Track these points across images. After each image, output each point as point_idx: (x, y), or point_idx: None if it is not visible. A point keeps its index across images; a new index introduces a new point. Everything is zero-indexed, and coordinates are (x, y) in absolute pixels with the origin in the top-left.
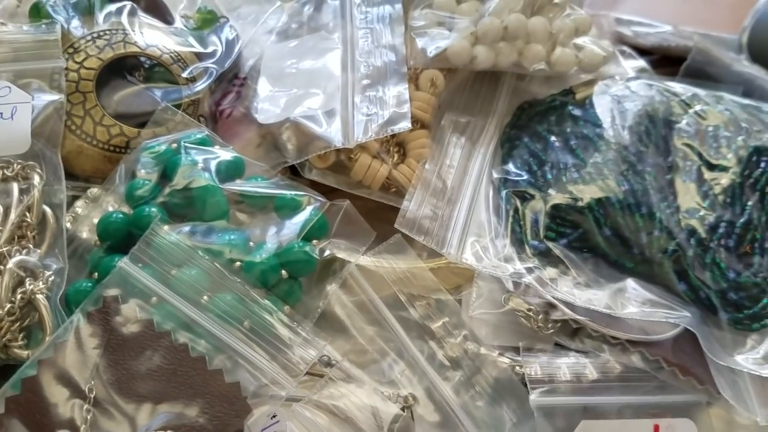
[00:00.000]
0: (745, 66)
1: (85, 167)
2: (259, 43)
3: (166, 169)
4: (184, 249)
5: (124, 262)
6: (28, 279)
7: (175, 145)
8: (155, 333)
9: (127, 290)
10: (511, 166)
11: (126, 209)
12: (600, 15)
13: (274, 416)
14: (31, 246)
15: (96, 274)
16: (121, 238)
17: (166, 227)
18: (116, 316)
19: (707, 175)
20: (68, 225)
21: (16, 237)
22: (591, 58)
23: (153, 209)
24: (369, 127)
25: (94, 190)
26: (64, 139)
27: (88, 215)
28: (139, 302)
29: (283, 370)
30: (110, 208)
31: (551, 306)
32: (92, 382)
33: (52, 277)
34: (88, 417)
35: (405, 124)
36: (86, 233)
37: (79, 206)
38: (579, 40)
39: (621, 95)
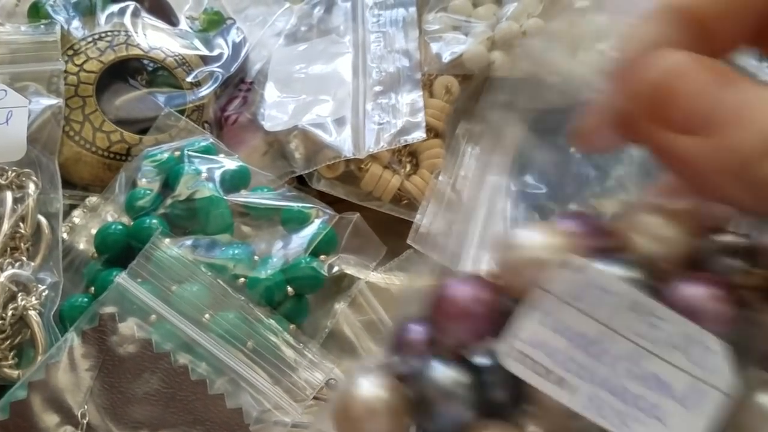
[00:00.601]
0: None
1: (84, 175)
2: (267, 47)
3: (168, 179)
4: (186, 264)
5: (122, 278)
6: (20, 294)
7: (178, 153)
8: (154, 354)
9: (125, 308)
10: (529, 179)
11: (126, 220)
12: (622, 22)
13: None
14: (24, 258)
15: (93, 288)
16: (119, 250)
17: (167, 240)
18: (113, 335)
19: None
20: (65, 236)
21: (8, 249)
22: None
23: (154, 221)
24: (381, 137)
25: (92, 199)
26: (62, 145)
27: (85, 225)
28: (137, 321)
29: (287, 395)
30: (109, 219)
31: None
32: (85, 407)
33: (46, 292)
34: None
35: (419, 134)
36: (83, 244)
37: (77, 216)
38: (600, 47)
39: None
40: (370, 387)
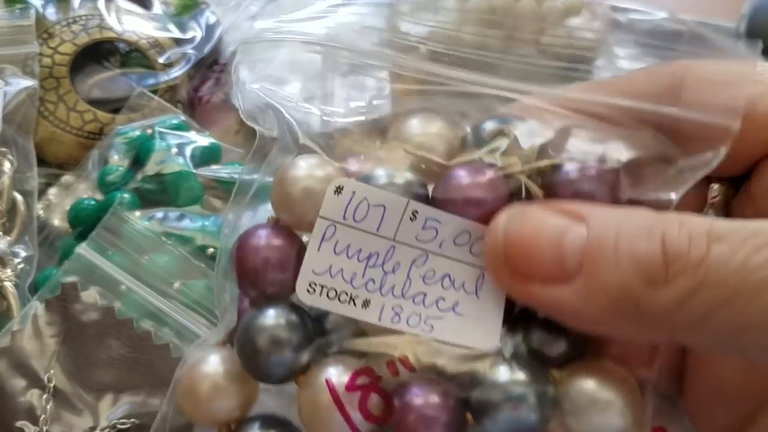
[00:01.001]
0: (740, 52)
1: (59, 154)
2: (241, 29)
3: (139, 155)
4: (154, 235)
5: (82, 248)
6: None
7: (150, 131)
8: (116, 321)
9: (87, 277)
10: None
11: (99, 196)
12: (594, 2)
13: None
14: (0, 233)
15: (66, 261)
16: (92, 224)
17: (137, 213)
18: (75, 303)
19: None
20: (41, 213)
21: None
22: (581, 42)
23: (125, 195)
24: (349, 113)
25: (67, 178)
26: (37, 125)
27: (60, 203)
28: (99, 289)
29: None
30: (83, 195)
31: None
32: (51, 372)
33: (22, 265)
34: (48, 407)
35: (387, 110)
36: (58, 221)
37: (53, 194)
38: (569, 23)
39: None
40: (209, 365)
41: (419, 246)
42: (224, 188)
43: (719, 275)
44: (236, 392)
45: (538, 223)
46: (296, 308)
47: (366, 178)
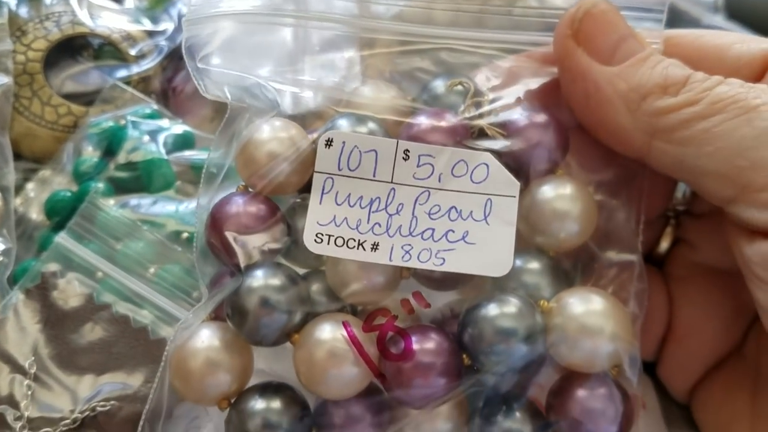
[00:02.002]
0: (716, 21)
1: (35, 149)
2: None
3: (112, 144)
4: (128, 222)
5: (61, 237)
6: None
7: (123, 121)
8: (95, 306)
9: (66, 265)
10: None
11: (75, 188)
12: None
13: None
14: None
15: (44, 252)
16: (68, 215)
17: (111, 201)
18: (55, 291)
19: None
20: (19, 207)
21: None
22: (554, 12)
23: (99, 185)
24: (319, 94)
25: (45, 172)
26: (13, 121)
27: (38, 197)
28: (78, 276)
29: None
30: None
31: None
32: (32, 358)
33: (0, 258)
34: (29, 393)
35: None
36: (36, 214)
37: (30, 188)
38: None
39: None
40: (199, 340)
41: (418, 184)
42: (197, 173)
43: (714, 99)
44: (231, 365)
45: (618, 18)
46: (285, 268)
47: (331, 125)
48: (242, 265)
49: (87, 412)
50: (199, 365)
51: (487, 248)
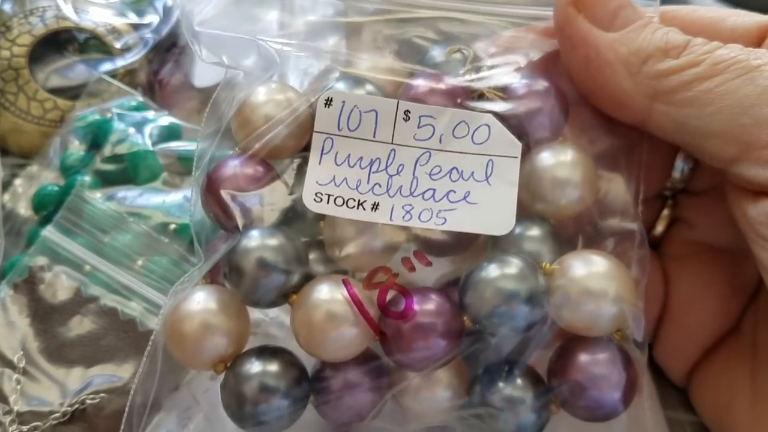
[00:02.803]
0: (707, 2)
1: (22, 144)
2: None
3: (98, 137)
4: (115, 215)
5: (48, 231)
6: None
7: (109, 114)
8: (83, 299)
9: (53, 258)
10: None
11: (63, 182)
12: None
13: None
14: None
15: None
16: (55, 209)
17: (98, 194)
18: (42, 285)
19: None
20: (7, 203)
21: None
22: None
23: (86, 178)
24: (305, 81)
25: (32, 168)
26: (0, 117)
27: (26, 192)
28: (66, 270)
29: None
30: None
31: None
32: (21, 352)
33: None
34: (18, 387)
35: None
36: (24, 209)
37: (18, 184)
38: None
39: None
40: (194, 303)
41: (419, 145)
42: (184, 165)
43: (715, 61)
44: (227, 327)
45: None
46: (283, 228)
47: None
48: (240, 225)
49: (76, 405)
50: (195, 328)
51: (488, 207)
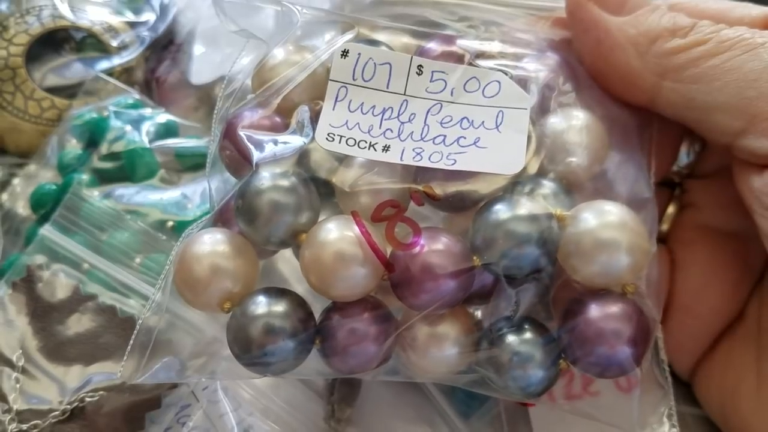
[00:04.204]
0: None
1: (20, 143)
2: (196, 10)
3: (95, 135)
4: (107, 211)
5: (46, 229)
6: None
7: (106, 112)
8: (81, 297)
9: (52, 257)
10: None
11: (61, 181)
12: None
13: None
14: None
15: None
16: (53, 208)
17: (96, 192)
18: (40, 283)
19: None
20: (6, 202)
21: None
22: None
23: (83, 176)
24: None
25: (31, 167)
26: None
27: (24, 192)
28: (64, 268)
29: (222, 329)
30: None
31: None
32: (20, 351)
33: None
34: (17, 385)
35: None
36: (22, 209)
37: (17, 183)
38: None
39: None
40: (203, 245)
41: (431, 97)
42: (181, 162)
43: (721, 39)
44: (235, 268)
45: None
46: (296, 170)
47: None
48: (254, 162)
49: (75, 403)
50: (204, 269)
51: (498, 150)
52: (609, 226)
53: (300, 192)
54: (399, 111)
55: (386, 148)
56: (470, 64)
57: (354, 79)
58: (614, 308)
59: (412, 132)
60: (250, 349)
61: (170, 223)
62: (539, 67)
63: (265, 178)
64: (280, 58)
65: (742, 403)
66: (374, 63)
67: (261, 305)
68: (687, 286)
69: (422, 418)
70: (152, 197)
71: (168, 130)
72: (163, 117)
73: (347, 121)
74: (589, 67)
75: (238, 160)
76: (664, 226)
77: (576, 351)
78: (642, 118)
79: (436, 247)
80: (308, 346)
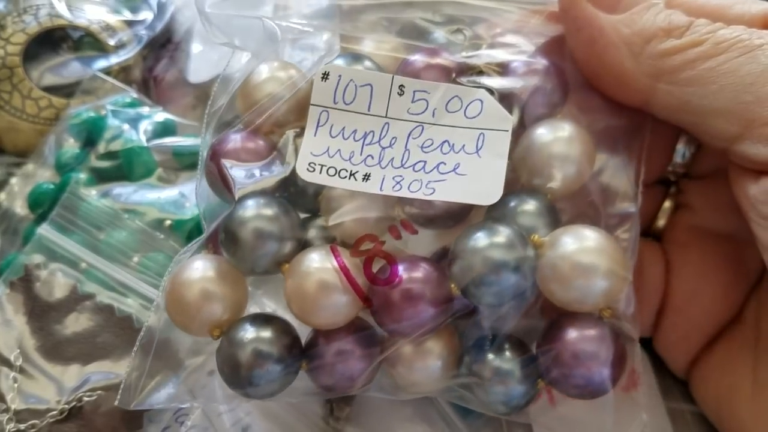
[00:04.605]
0: None
1: (18, 143)
2: (193, 8)
3: (92, 134)
4: (105, 210)
5: (43, 229)
6: None
7: (103, 111)
8: (79, 296)
9: (49, 256)
10: None
11: (59, 180)
12: None
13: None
14: None
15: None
16: (51, 207)
17: (93, 191)
18: (38, 282)
19: None
20: (4, 203)
21: None
22: None
23: (81, 175)
24: (309, 59)
25: (29, 166)
26: None
27: (22, 191)
28: (62, 267)
29: None
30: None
31: None
32: (17, 350)
33: None
34: (15, 385)
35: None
36: (20, 208)
37: (15, 183)
38: None
39: None
40: (194, 270)
41: (413, 119)
42: (179, 160)
43: (718, 40)
44: (224, 295)
45: None
46: (278, 198)
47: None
48: (236, 194)
49: (73, 403)
50: (194, 295)
51: (477, 178)
52: (586, 250)
53: (282, 223)
54: (380, 135)
55: (366, 177)
56: (454, 80)
57: (335, 103)
58: (591, 332)
59: (393, 158)
60: (238, 374)
61: (168, 222)
62: (527, 77)
63: (248, 207)
64: (265, 75)
65: (738, 409)
66: (355, 85)
67: (249, 332)
68: (680, 288)
69: (420, 417)
70: (150, 196)
71: (166, 129)
72: (160, 116)
73: (328, 148)
74: (582, 67)
75: (222, 187)
76: (661, 221)
77: (552, 373)
78: (635, 120)
79: (415, 275)
80: (295, 368)
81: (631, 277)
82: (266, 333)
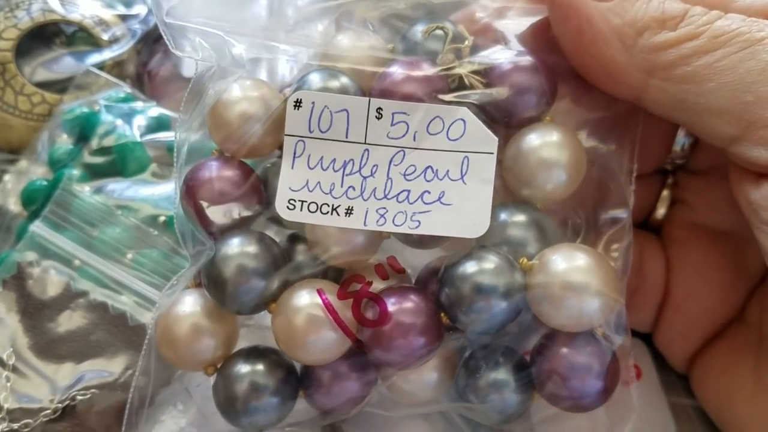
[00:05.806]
0: None
1: (11, 139)
2: (187, 2)
3: (85, 130)
4: (98, 206)
5: (36, 226)
6: None
7: (97, 107)
8: (72, 294)
9: (42, 254)
10: None
11: (52, 176)
12: None
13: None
14: None
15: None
16: (44, 204)
17: (86, 188)
18: (31, 280)
19: None
20: None
21: None
22: None
23: (74, 171)
24: (295, 69)
25: (23, 163)
26: None
27: (15, 188)
28: (55, 264)
29: None
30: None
31: None
32: (10, 349)
33: None
34: (8, 384)
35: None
36: (14, 205)
37: (8, 180)
38: None
39: None
40: (184, 306)
41: (393, 144)
42: (173, 155)
43: (715, 33)
44: (216, 331)
45: None
46: (261, 235)
47: (301, 82)
48: (217, 233)
49: (67, 402)
50: (185, 332)
51: (463, 209)
52: (576, 271)
53: (266, 261)
54: (360, 164)
55: (349, 211)
56: (435, 96)
57: (311, 131)
58: (584, 348)
59: (375, 189)
60: (235, 408)
61: (162, 218)
62: (512, 78)
63: (230, 247)
64: (236, 95)
65: (738, 408)
66: (330, 111)
67: (243, 367)
68: (679, 286)
69: (420, 415)
70: (144, 192)
71: (160, 124)
72: (154, 110)
73: (308, 181)
74: (570, 58)
75: (201, 225)
76: (660, 211)
77: (547, 386)
78: (628, 110)
79: (405, 307)
80: (292, 398)
81: (623, 297)
82: (260, 367)
